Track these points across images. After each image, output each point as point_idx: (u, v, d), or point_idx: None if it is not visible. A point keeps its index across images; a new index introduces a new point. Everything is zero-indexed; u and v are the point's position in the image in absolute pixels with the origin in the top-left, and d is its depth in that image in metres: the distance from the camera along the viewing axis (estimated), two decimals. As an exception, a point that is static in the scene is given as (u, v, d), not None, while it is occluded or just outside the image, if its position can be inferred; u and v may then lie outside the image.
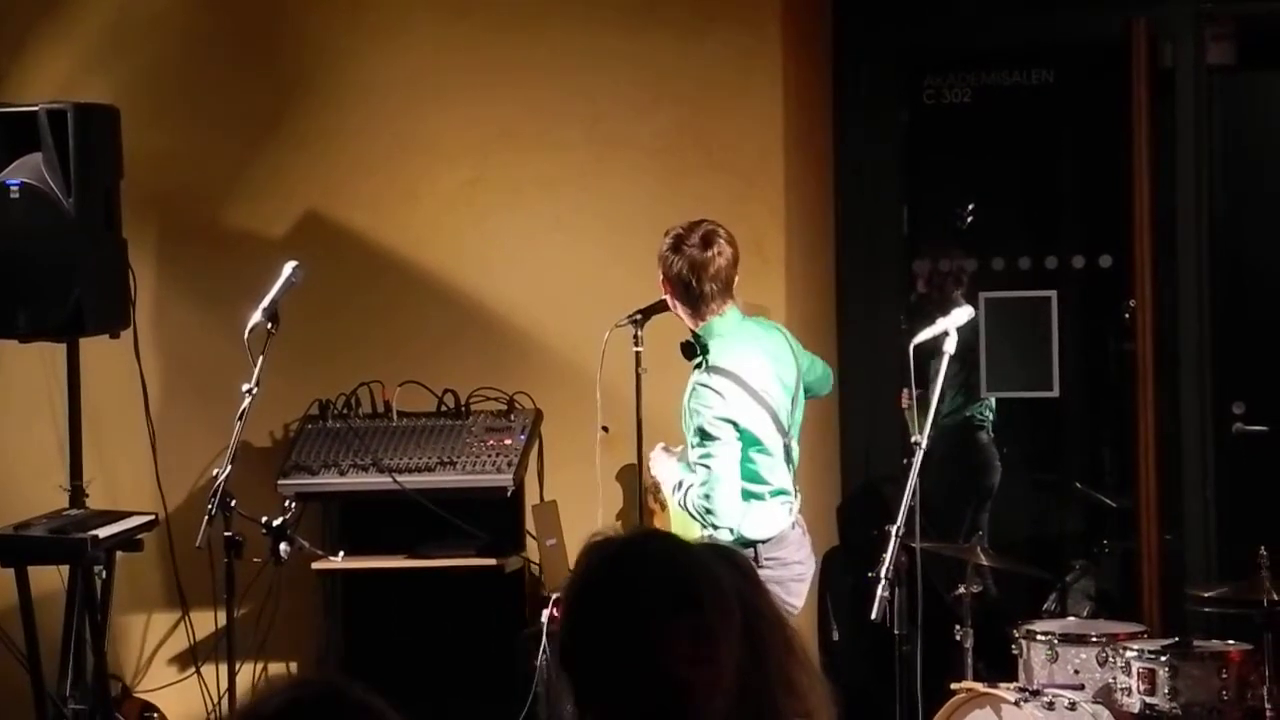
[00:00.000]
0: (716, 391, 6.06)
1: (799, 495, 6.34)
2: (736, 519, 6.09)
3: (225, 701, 6.85)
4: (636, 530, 3.21)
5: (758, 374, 6.17)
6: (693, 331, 6.19)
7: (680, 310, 6.20)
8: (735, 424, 6.07)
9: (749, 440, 6.13)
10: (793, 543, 6.27)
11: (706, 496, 6.06)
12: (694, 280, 6.11)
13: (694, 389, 6.13)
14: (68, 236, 6.71)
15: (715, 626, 2.82)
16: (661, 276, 6.16)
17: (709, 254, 6.10)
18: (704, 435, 6.08)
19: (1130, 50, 7.59)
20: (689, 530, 6.33)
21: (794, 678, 3.00)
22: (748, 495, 6.19)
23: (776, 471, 6.22)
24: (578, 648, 2.82)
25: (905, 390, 7.29)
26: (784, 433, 6.24)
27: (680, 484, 6.19)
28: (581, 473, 6.78)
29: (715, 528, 6.09)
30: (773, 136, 7.35)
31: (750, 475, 6.18)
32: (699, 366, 6.16)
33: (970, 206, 8.07)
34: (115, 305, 6.98)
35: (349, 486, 6.99)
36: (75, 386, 7.03)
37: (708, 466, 6.06)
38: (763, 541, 6.17)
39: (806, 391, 6.45)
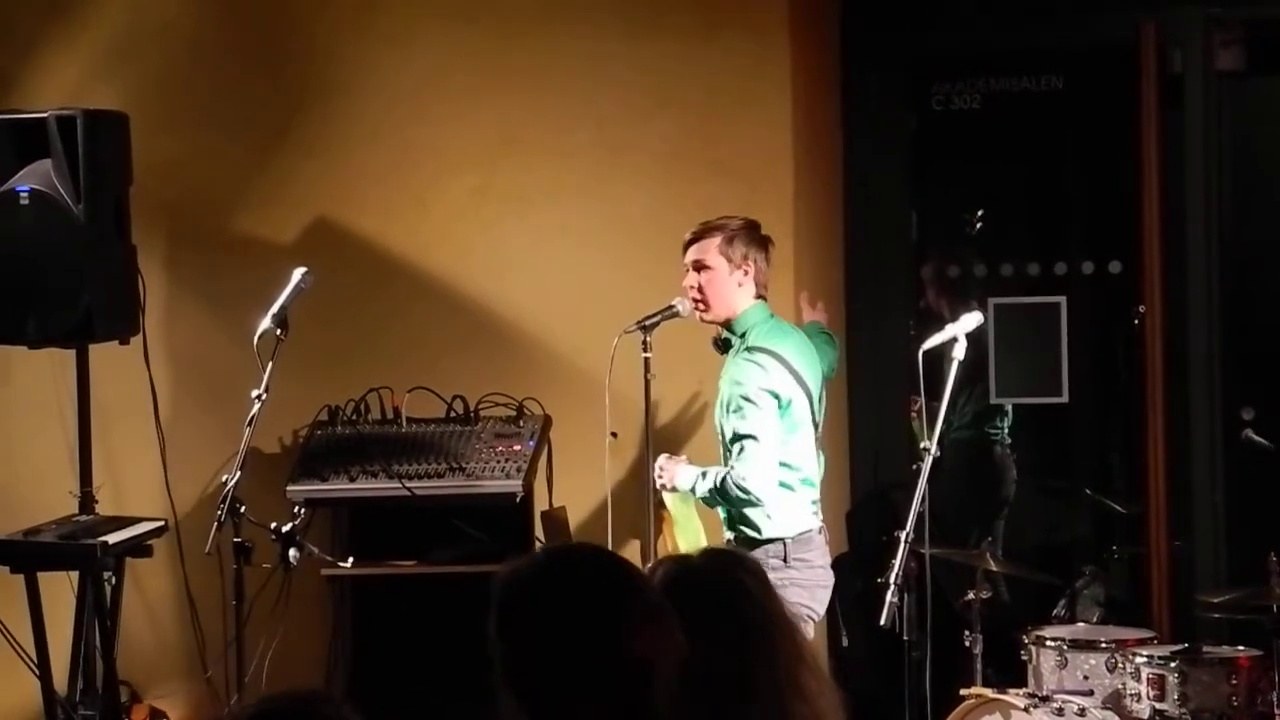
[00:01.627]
0: (760, 366, 6.19)
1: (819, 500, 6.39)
2: (772, 489, 6.12)
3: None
4: (545, 548, 3.25)
5: (795, 358, 6.26)
6: (728, 324, 6.27)
7: (735, 287, 6.33)
8: (778, 396, 6.15)
9: (786, 417, 6.18)
10: (818, 547, 6.31)
11: (744, 464, 6.09)
12: (765, 266, 6.36)
13: (736, 364, 6.21)
14: (77, 243, 6.72)
15: (661, 603, 2.83)
16: (744, 253, 6.35)
17: (771, 248, 6.35)
18: (747, 402, 6.13)
19: (1139, 56, 7.59)
20: (698, 538, 6.35)
21: (803, 682, 3.00)
22: (781, 483, 6.22)
23: (808, 458, 6.29)
24: (528, 657, 2.82)
25: (915, 398, 7.30)
26: (816, 425, 6.32)
27: (704, 474, 6.21)
28: (590, 478, 6.78)
29: (746, 497, 6.10)
30: (781, 142, 7.35)
31: (782, 461, 6.22)
32: (734, 351, 6.24)
33: (979, 212, 8.07)
34: (125, 311, 6.99)
35: (358, 492, 6.99)
36: (85, 392, 7.04)
37: (754, 436, 6.11)
38: (791, 539, 6.20)
39: (830, 371, 6.59)
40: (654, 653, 2.79)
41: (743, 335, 6.30)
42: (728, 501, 6.18)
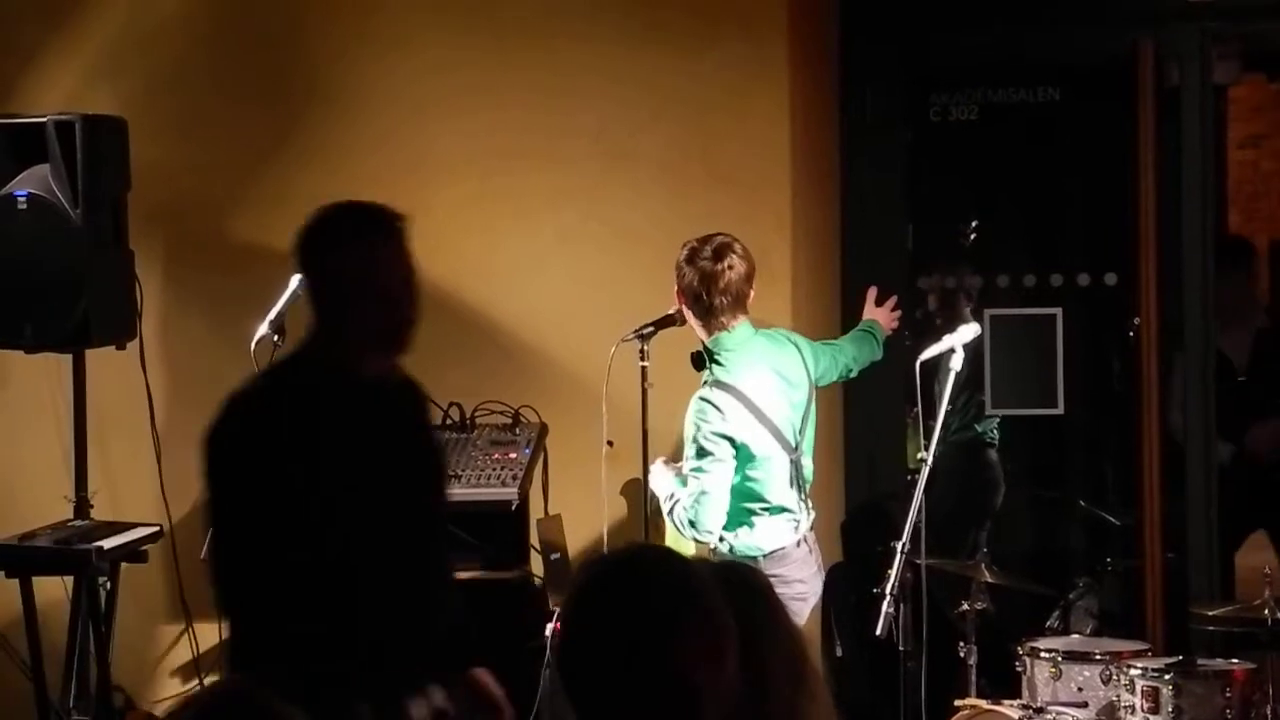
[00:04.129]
0: (716, 407, 6.12)
1: (811, 513, 6.37)
2: (715, 532, 6.15)
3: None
4: (628, 544, 3.23)
5: (762, 391, 6.20)
6: (703, 343, 6.24)
7: (692, 321, 6.26)
8: (732, 440, 6.12)
9: (746, 457, 6.16)
10: (796, 560, 6.29)
11: (693, 508, 6.13)
12: (704, 292, 6.21)
13: (695, 402, 6.18)
14: (74, 248, 6.73)
15: (720, 626, 2.83)
16: (676, 288, 6.23)
17: (719, 266, 6.18)
18: (699, 450, 6.13)
19: (1136, 69, 7.61)
20: (682, 545, 6.36)
21: (801, 700, 3.00)
22: (746, 513, 6.23)
23: (777, 489, 6.25)
24: (585, 662, 2.83)
25: (910, 408, 7.31)
26: (792, 449, 6.26)
27: (672, 495, 6.24)
28: (586, 487, 6.78)
29: (696, 540, 6.15)
30: (778, 152, 7.36)
31: (748, 494, 6.22)
32: (706, 381, 6.21)
33: (974, 224, 8.08)
34: (121, 317, 6.99)
35: (354, 499, 6.98)
36: (81, 397, 7.03)
37: (699, 479, 6.11)
38: (765, 555, 6.20)
39: (846, 372, 6.56)
40: (705, 679, 2.79)
41: (715, 362, 6.23)
42: (676, 527, 6.21)
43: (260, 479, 4.38)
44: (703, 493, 6.12)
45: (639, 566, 2.90)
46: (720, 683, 2.81)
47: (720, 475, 6.13)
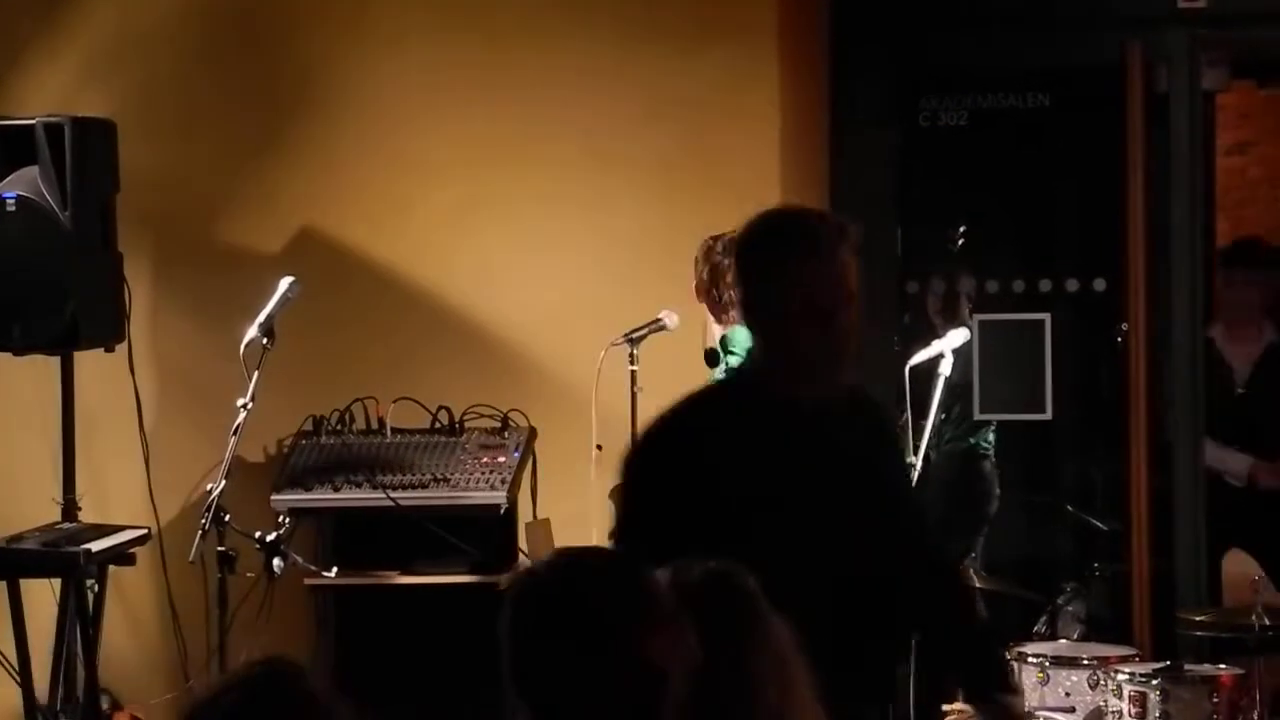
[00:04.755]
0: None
1: None
2: None
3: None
4: (559, 551, 3.21)
5: None
6: (719, 340, 6.30)
7: (708, 317, 6.37)
8: None
9: None
10: None
11: None
12: (714, 286, 6.31)
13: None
14: (63, 250, 6.71)
15: (676, 609, 2.84)
16: (693, 284, 6.35)
17: (729, 261, 6.24)
18: None
19: (1125, 74, 7.62)
20: None
21: (788, 702, 3.00)
22: None
23: None
24: (539, 660, 2.82)
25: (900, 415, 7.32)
26: None
27: None
28: (575, 491, 6.79)
29: None
30: (769, 156, 7.37)
31: None
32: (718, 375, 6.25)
33: (962, 229, 8.08)
34: (110, 319, 6.98)
35: (342, 502, 6.99)
36: (69, 400, 7.03)
37: None
38: None
39: None
40: (667, 660, 2.79)
41: (728, 353, 6.30)
42: None
43: (674, 505, 4.02)
44: None
45: (569, 568, 2.92)
46: (688, 663, 2.81)
47: None
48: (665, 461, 4.14)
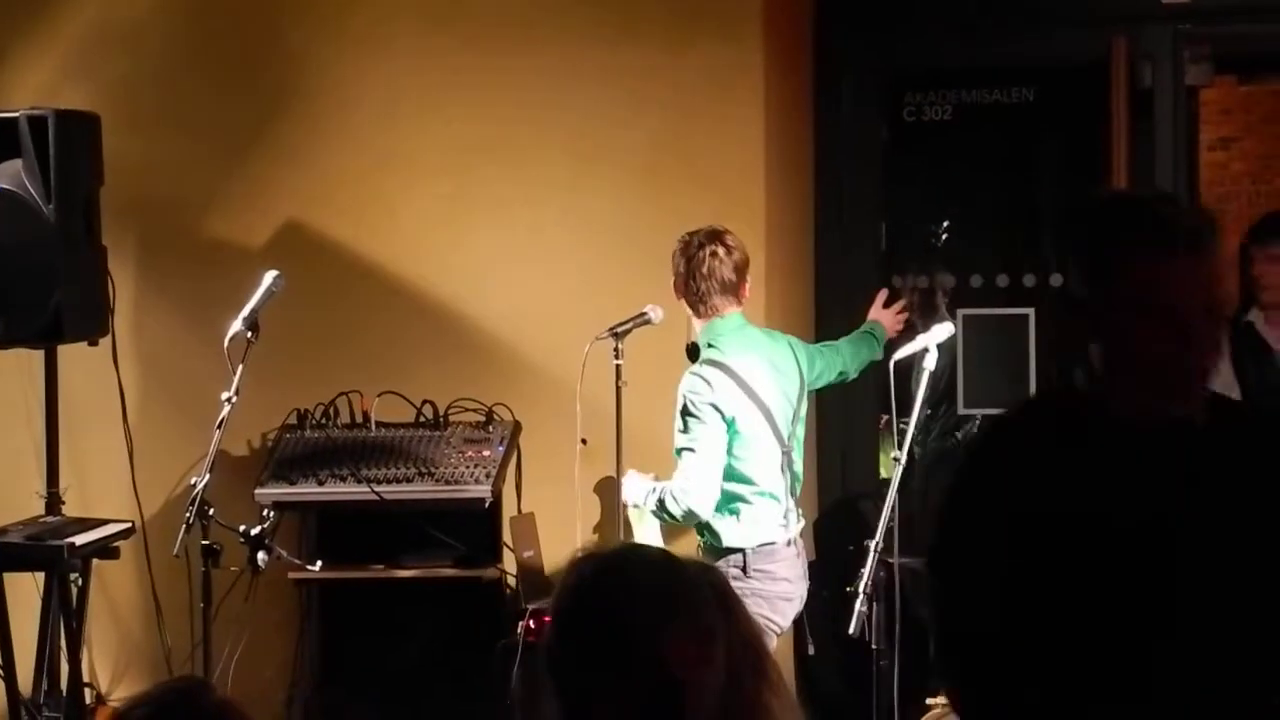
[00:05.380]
0: (706, 380, 6.24)
1: (801, 519, 6.43)
2: (709, 503, 6.17)
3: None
4: (621, 544, 3.25)
5: (754, 372, 6.30)
6: (698, 335, 6.35)
7: (688, 312, 6.43)
8: (722, 413, 6.18)
9: (733, 434, 6.21)
10: (784, 559, 6.33)
11: (683, 485, 6.15)
12: (690, 278, 6.38)
13: (686, 378, 6.26)
14: (47, 243, 6.70)
15: (713, 627, 2.85)
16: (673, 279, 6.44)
17: (703, 254, 6.36)
18: (687, 415, 6.19)
19: (1110, 70, 7.63)
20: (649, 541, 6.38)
21: (765, 700, 3.01)
22: (733, 497, 6.27)
23: (766, 474, 6.29)
24: (575, 658, 2.84)
25: (884, 415, 7.34)
26: (782, 442, 6.33)
27: (654, 489, 6.26)
28: (560, 485, 6.78)
29: (681, 510, 6.16)
30: (754, 152, 7.37)
31: (735, 475, 6.25)
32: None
33: (945, 224, 8.09)
34: (94, 312, 6.97)
35: (327, 496, 6.98)
36: (53, 393, 7.01)
37: (691, 449, 6.16)
38: (751, 550, 6.25)
39: (842, 376, 6.71)
40: (691, 674, 2.81)
41: (709, 345, 6.36)
42: (667, 514, 6.23)
43: (996, 522, 3.54)
44: (695, 456, 6.19)
45: (629, 563, 2.92)
46: (706, 679, 2.82)
47: (710, 441, 6.20)
48: (995, 475, 3.61)
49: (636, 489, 6.38)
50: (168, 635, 7.30)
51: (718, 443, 6.20)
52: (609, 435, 6.47)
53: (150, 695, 2.86)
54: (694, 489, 6.17)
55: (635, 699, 2.80)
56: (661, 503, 6.22)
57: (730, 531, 6.27)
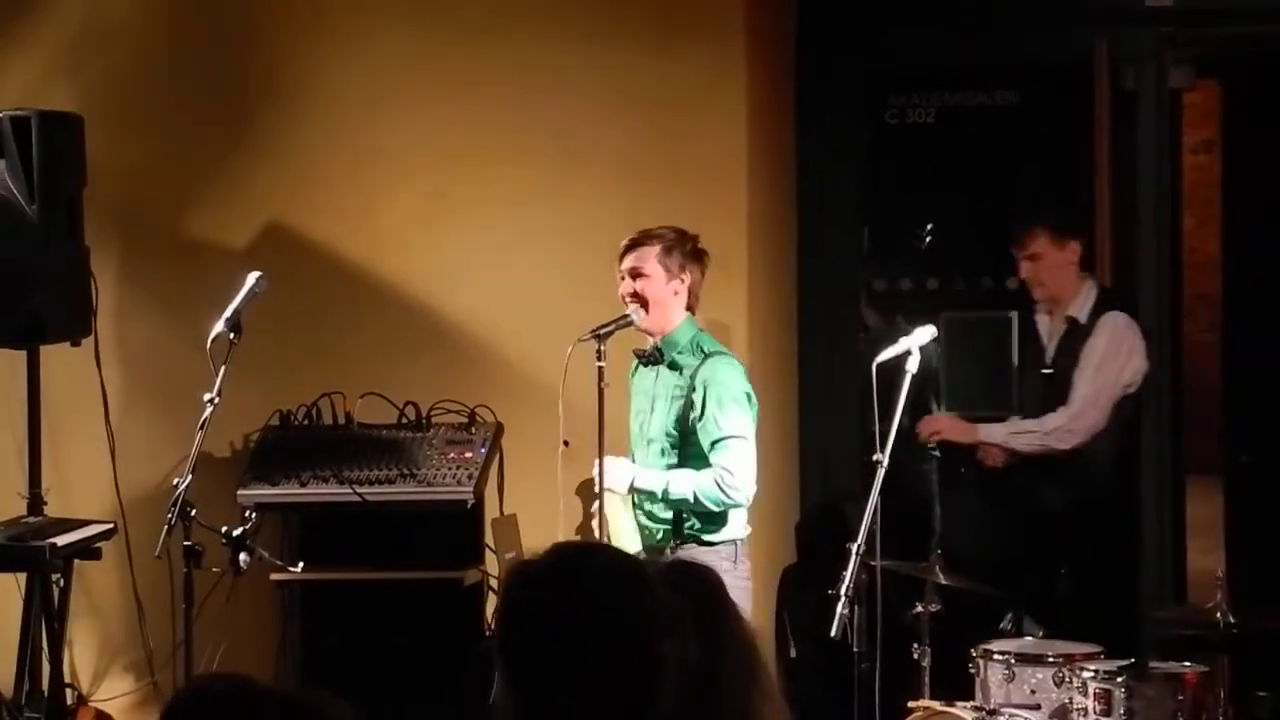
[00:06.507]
0: (738, 367, 6.37)
1: None
2: (752, 489, 6.26)
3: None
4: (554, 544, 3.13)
5: None
6: (652, 336, 6.43)
7: (675, 311, 6.45)
8: (751, 400, 6.28)
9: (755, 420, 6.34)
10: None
11: (734, 463, 6.21)
12: (702, 277, 6.49)
13: (722, 362, 6.33)
14: (30, 243, 6.70)
15: (680, 606, 2.84)
16: (681, 276, 6.48)
17: (704, 254, 6.42)
18: (733, 402, 6.27)
19: (1093, 73, 7.64)
20: (632, 541, 6.40)
21: (756, 702, 3.01)
22: None
23: None
24: (535, 640, 2.79)
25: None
26: None
27: (672, 479, 6.28)
28: (542, 487, 6.78)
29: (732, 498, 6.19)
30: (736, 153, 7.37)
31: None
32: (671, 366, 6.29)
33: (928, 226, 8.09)
34: (77, 313, 6.97)
35: (309, 497, 6.98)
36: (35, 394, 7.01)
37: (742, 436, 6.19)
38: (741, 540, 6.36)
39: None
40: (665, 656, 2.78)
41: (677, 349, 6.36)
42: (708, 503, 6.23)
43: None
44: (740, 440, 6.26)
45: (586, 545, 2.91)
46: (673, 663, 2.80)
47: (752, 429, 6.32)
48: None
49: (619, 475, 6.37)
50: (149, 636, 7.30)
51: (753, 431, 6.29)
52: (591, 437, 6.46)
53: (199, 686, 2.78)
54: (745, 475, 6.23)
55: (602, 680, 2.75)
56: (702, 490, 6.21)
57: (736, 520, 6.34)
